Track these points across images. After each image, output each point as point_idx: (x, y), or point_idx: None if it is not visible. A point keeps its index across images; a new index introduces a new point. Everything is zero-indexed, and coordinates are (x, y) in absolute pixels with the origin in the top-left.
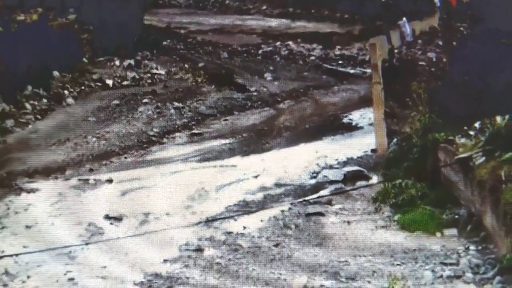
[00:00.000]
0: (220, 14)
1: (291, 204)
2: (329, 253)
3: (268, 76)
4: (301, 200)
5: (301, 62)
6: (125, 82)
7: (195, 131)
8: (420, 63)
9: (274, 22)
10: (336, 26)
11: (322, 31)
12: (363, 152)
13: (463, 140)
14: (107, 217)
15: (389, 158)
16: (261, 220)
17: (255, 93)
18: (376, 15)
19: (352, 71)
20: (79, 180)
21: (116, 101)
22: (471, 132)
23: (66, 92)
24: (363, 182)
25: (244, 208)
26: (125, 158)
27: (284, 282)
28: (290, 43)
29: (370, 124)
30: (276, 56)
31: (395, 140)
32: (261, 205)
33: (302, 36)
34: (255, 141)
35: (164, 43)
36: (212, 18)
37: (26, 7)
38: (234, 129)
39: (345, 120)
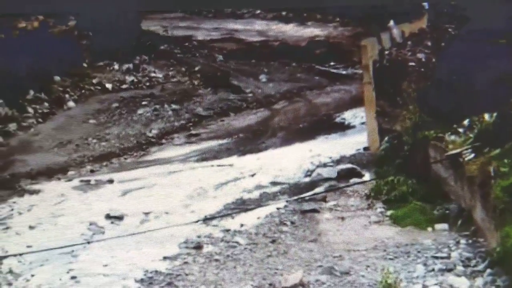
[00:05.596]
0: (215, 19)
1: (287, 201)
2: (324, 248)
3: (263, 77)
4: (296, 197)
5: (294, 64)
6: (124, 86)
7: (192, 132)
8: (410, 63)
9: (267, 26)
10: (330, 29)
11: (316, 34)
12: (356, 150)
13: (452, 137)
14: (108, 216)
15: (381, 155)
16: (258, 218)
17: (250, 95)
18: (365, 18)
19: (344, 72)
20: (81, 181)
21: (115, 104)
22: (460, 130)
23: (67, 96)
24: (356, 179)
25: (241, 206)
26: (125, 159)
27: (280, 277)
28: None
29: (362, 123)
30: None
31: (386, 138)
32: (258, 202)
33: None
34: (251, 141)
35: (161, 47)
36: (208, 24)
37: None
38: (230, 130)
39: (337, 119)
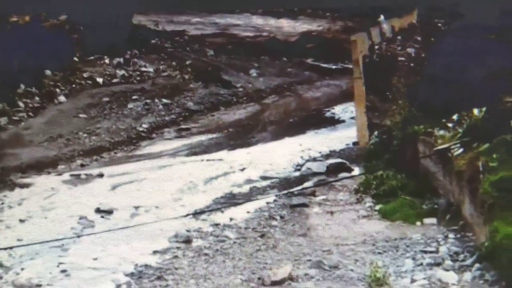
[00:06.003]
0: (206, 14)
1: (276, 196)
2: (313, 242)
3: (253, 72)
4: (285, 192)
5: (284, 58)
6: (114, 80)
7: (183, 126)
8: (400, 58)
9: (259, 20)
10: (322, 24)
11: (308, 29)
12: (345, 145)
13: (441, 132)
14: (98, 210)
15: (370, 150)
16: (247, 212)
17: (240, 89)
18: (355, 13)
19: (334, 67)
20: (71, 175)
21: (106, 98)
22: (449, 125)
23: (57, 90)
24: (346, 174)
25: (231, 200)
26: (115, 153)
27: (269, 271)
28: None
29: (352, 118)
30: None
31: (376, 133)
32: (247, 197)
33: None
34: (241, 136)
35: (152, 41)
36: (199, 18)
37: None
38: (220, 124)
39: (327, 114)
